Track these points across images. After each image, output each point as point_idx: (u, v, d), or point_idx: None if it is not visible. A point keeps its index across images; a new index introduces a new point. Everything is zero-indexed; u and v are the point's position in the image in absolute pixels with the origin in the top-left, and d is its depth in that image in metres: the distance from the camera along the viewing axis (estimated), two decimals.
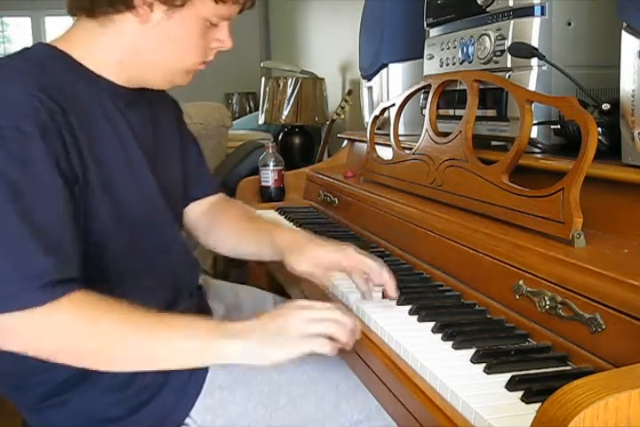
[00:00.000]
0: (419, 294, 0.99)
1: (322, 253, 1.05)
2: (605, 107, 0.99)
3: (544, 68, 1.09)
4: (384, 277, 0.99)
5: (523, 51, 1.08)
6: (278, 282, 1.40)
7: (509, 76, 1.13)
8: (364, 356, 0.89)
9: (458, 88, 1.27)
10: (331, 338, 0.85)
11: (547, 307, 0.79)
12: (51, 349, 0.83)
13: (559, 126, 1.07)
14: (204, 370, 1.00)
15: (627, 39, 0.87)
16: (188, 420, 0.99)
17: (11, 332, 0.81)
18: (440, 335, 0.84)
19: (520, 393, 0.67)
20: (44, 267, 0.80)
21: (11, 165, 0.81)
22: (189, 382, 0.99)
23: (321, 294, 1.08)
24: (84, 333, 0.83)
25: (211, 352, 0.84)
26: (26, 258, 0.80)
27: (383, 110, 1.56)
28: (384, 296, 1.00)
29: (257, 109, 3.91)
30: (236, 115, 4.87)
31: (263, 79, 3.40)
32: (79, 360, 0.86)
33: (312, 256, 1.06)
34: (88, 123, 0.92)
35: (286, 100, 3.24)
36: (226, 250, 1.25)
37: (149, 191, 1.04)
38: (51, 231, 0.83)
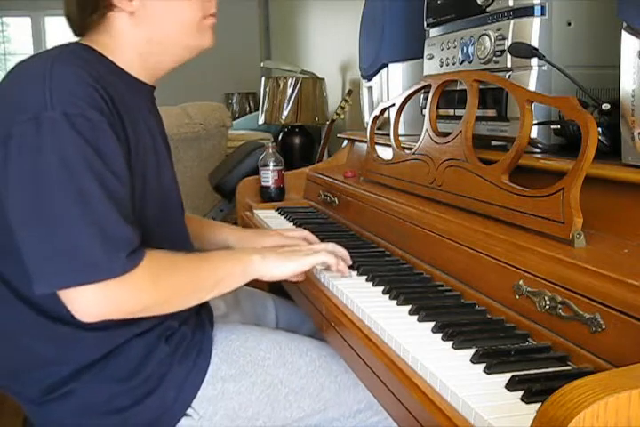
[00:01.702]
0: (419, 294, 0.99)
1: (265, 241, 1.24)
2: (605, 107, 0.99)
3: (544, 68, 1.09)
4: (312, 237, 1.24)
5: (523, 51, 1.08)
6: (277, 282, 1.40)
7: (509, 76, 1.13)
8: (363, 356, 0.89)
9: (458, 88, 1.27)
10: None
11: (547, 307, 0.79)
12: (139, 307, 0.91)
13: (559, 126, 1.07)
14: (206, 362, 1.02)
15: (627, 39, 0.87)
16: (190, 411, 1.00)
17: (106, 302, 0.87)
18: (440, 335, 0.84)
19: (520, 393, 0.67)
20: (132, 236, 0.88)
21: (90, 152, 0.86)
22: (191, 373, 1.00)
23: (319, 291, 1.08)
24: (165, 285, 0.93)
25: (249, 266, 1.02)
26: (116, 230, 0.86)
27: (383, 110, 1.56)
28: None
29: (257, 109, 3.91)
30: (236, 115, 4.87)
31: (263, 79, 3.40)
32: (166, 308, 0.96)
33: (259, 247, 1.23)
34: (129, 114, 0.96)
35: (286, 100, 3.24)
36: None
37: (169, 188, 1.09)
38: (127, 208, 0.90)
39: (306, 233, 1.26)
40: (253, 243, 1.25)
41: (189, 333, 1.04)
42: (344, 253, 1.13)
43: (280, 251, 1.08)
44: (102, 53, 0.99)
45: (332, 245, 1.14)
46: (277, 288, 1.44)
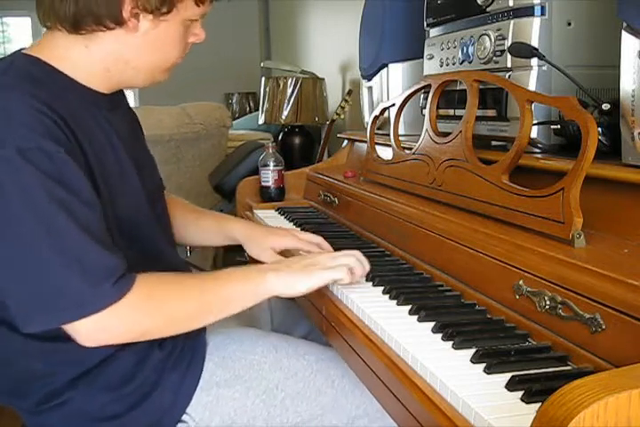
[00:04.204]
0: (419, 294, 0.99)
1: (276, 242, 1.21)
2: (605, 107, 0.99)
3: (544, 68, 1.09)
4: (326, 245, 1.20)
5: (523, 51, 1.08)
6: None
7: (509, 76, 1.13)
8: (363, 356, 0.89)
9: (458, 88, 1.27)
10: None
11: (547, 307, 0.79)
12: (139, 331, 0.91)
13: (559, 126, 1.07)
14: (200, 367, 1.02)
15: (627, 39, 0.87)
16: (185, 417, 0.99)
17: (103, 331, 0.87)
18: (440, 335, 0.84)
19: (520, 393, 0.67)
20: (114, 264, 0.86)
21: (52, 185, 0.83)
22: (185, 379, 1.00)
23: (319, 291, 1.08)
24: (161, 310, 0.92)
25: (262, 286, 0.96)
26: (96, 260, 0.84)
27: (383, 110, 1.56)
28: None
29: (257, 109, 3.91)
30: (236, 115, 4.87)
31: (263, 79, 3.40)
32: (166, 331, 0.95)
33: (267, 247, 1.21)
34: (86, 132, 0.93)
35: (286, 100, 3.24)
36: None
37: (137, 196, 1.05)
38: (103, 234, 0.88)
39: (320, 239, 1.21)
40: (263, 242, 1.22)
41: (182, 336, 1.02)
42: (361, 269, 1.02)
43: (295, 266, 0.99)
44: (54, 66, 0.94)
45: (358, 255, 1.03)
46: None
